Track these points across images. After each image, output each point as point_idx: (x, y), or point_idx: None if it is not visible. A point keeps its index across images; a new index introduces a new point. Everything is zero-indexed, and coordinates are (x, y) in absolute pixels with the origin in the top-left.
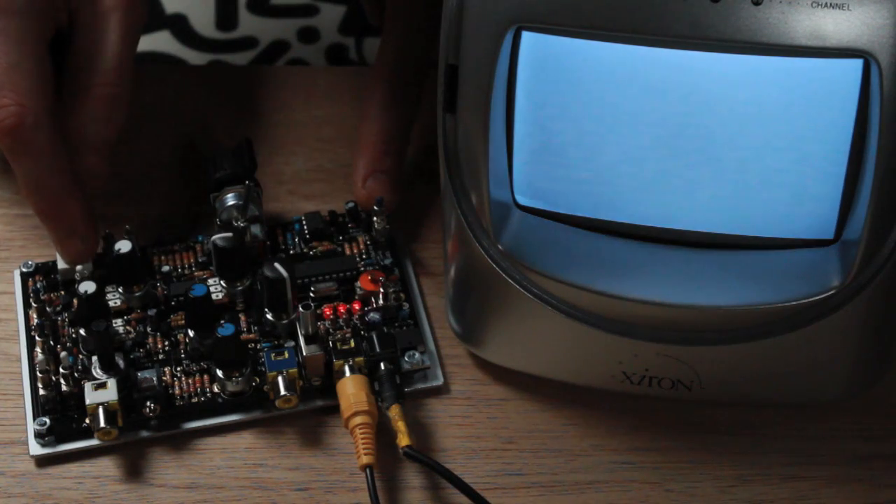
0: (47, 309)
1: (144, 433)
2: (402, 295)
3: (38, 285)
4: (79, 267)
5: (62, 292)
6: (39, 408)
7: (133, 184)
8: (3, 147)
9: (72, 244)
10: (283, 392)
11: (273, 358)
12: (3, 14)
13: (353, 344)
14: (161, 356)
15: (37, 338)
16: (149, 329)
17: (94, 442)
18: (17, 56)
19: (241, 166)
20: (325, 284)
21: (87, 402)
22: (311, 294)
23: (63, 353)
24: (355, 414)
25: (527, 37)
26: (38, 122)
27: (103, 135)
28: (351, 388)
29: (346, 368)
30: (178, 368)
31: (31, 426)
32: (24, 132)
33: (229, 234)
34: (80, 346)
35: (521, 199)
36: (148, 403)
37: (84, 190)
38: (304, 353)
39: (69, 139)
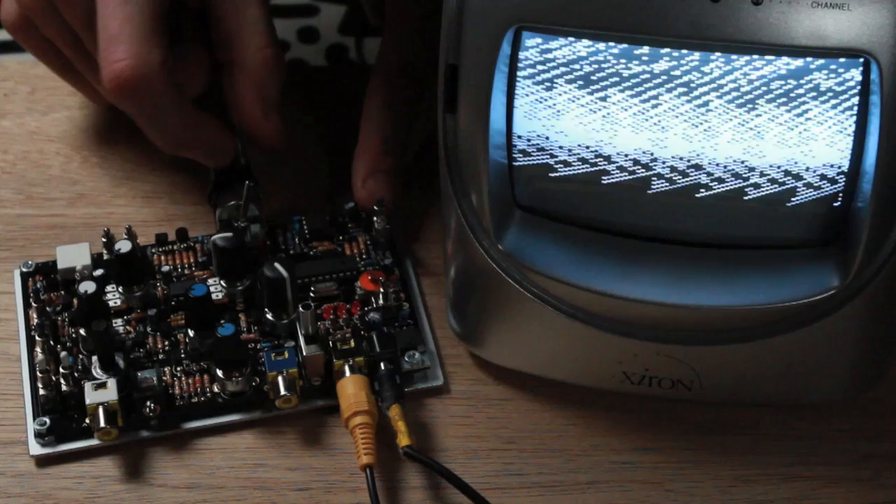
0: (47, 309)
1: (144, 433)
2: (402, 295)
3: (38, 285)
4: (79, 267)
5: (62, 292)
6: (39, 408)
7: (133, 184)
8: (117, 98)
9: (214, 161)
10: (283, 392)
11: (273, 358)
12: None
13: (353, 344)
14: (161, 356)
15: (37, 338)
16: (149, 329)
17: (94, 442)
18: (137, 11)
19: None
20: (325, 284)
21: (87, 402)
22: (311, 294)
23: (63, 353)
24: (355, 414)
25: (527, 37)
26: (155, 74)
27: (272, 95)
28: (351, 388)
29: (346, 368)
30: (178, 368)
31: (31, 426)
32: (139, 84)
33: (229, 234)
34: (80, 346)
35: (521, 199)
36: (148, 403)
37: (210, 121)
38: (304, 353)
39: (237, 108)
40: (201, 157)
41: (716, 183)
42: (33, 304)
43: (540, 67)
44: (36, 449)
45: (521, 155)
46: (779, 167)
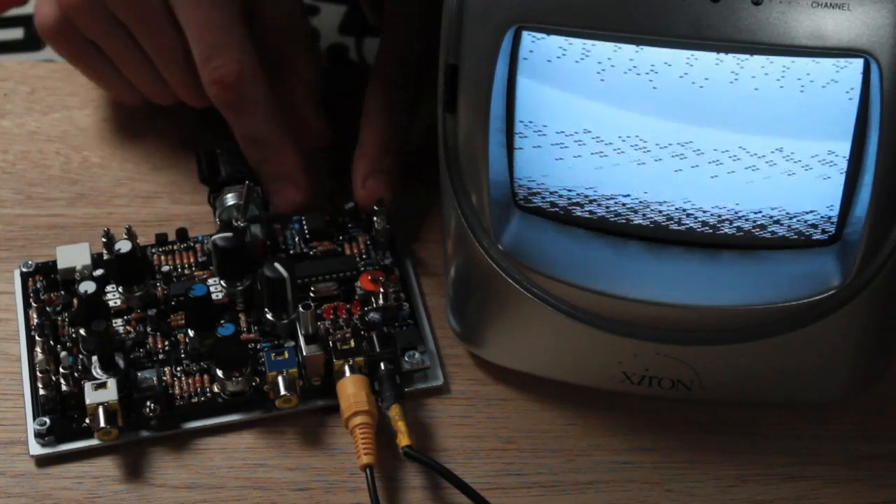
0: (47, 309)
1: (144, 433)
2: (402, 295)
3: (38, 285)
4: (79, 267)
5: (62, 292)
6: (39, 408)
7: (133, 184)
8: (222, 101)
9: (287, 191)
10: (283, 392)
11: (273, 358)
12: None
13: (353, 344)
14: (161, 356)
15: (37, 338)
16: (149, 329)
17: (94, 442)
18: (227, 18)
19: (241, 165)
20: (325, 284)
21: (87, 402)
22: (311, 294)
23: (63, 353)
24: (355, 414)
25: (527, 37)
26: (255, 76)
27: (315, 94)
28: (351, 388)
29: (346, 368)
30: (178, 368)
31: (31, 426)
32: (242, 87)
33: (229, 234)
34: (80, 346)
35: (521, 200)
36: (148, 403)
37: (298, 143)
38: (304, 353)
39: (294, 109)
40: (277, 181)
41: (716, 182)
42: (33, 304)
43: (540, 67)
44: (36, 449)
45: (521, 155)
46: (779, 167)
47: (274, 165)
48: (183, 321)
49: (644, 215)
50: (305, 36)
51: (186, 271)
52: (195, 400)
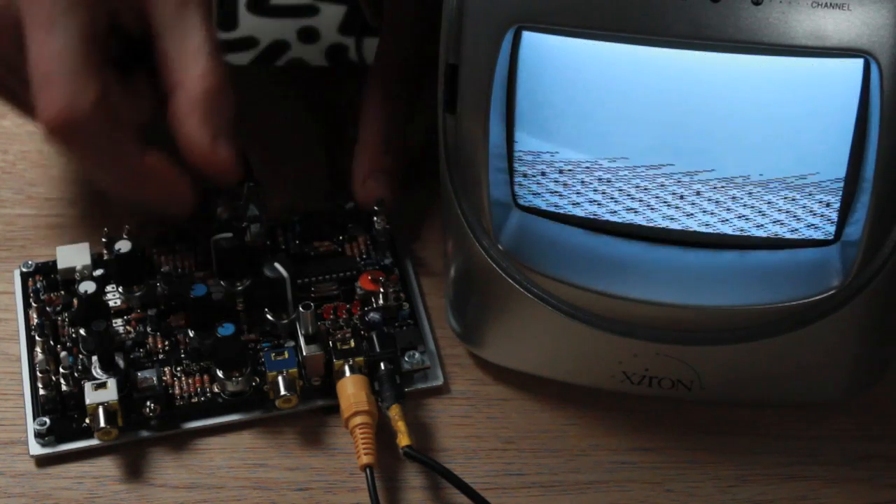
0: (47, 309)
1: (144, 433)
2: (402, 295)
3: (38, 285)
4: (79, 267)
5: (62, 292)
6: (39, 408)
7: None
8: (58, 146)
9: (172, 209)
10: (283, 392)
11: (273, 358)
12: (45, 7)
13: (353, 344)
14: (161, 356)
15: (37, 338)
16: (149, 329)
17: (94, 442)
18: (60, 44)
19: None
20: (325, 284)
21: (87, 402)
22: (311, 294)
23: (63, 353)
24: (355, 414)
25: (527, 37)
26: (87, 114)
27: (219, 123)
28: (351, 388)
29: (346, 368)
30: (178, 368)
31: (31, 426)
32: (74, 127)
33: (229, 234)
34: (80, 346)
35: (521, 199)
36: (148, 403)
37: (161, 161)
38: (304, 353)
39: (181, 136)
40: (156, 204)
41: (716, 183)
42: (33, 304)
43: (540, 67)
44: (36, 449)
45: (521, 155)
46: (779, 167)
47: (133, 199)
48: (183, 321)
49: (644, 215)
50: (205, 58)
51: (186, 271)
52: (195, 400)
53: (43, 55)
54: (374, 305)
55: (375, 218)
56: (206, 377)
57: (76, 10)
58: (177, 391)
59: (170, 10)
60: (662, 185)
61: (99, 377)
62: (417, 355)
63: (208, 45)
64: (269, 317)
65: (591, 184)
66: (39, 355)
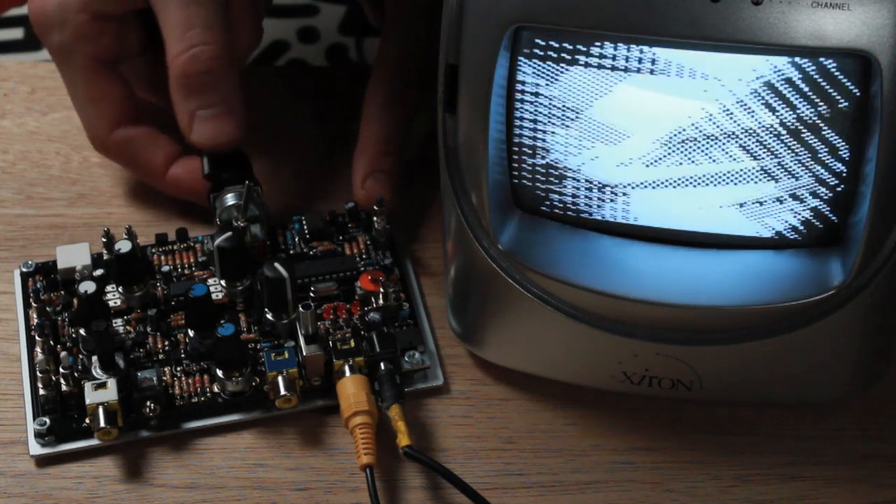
0: (47, 309)
1: (144, 433)
2: (402, 295)
3: (38, 285)
4: (79, 267)
5: (62, 292)
6: (39, 408)
7: (133, 184)
8: (186, 84)
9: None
10: (283, 392)
11: (273, 358)
12: None
13: (353, 344)
14: (161, 356)
15: (37, 338)
16: (149, 329)
17: (94, 442)
18: (195, 9)
19: (239, 166)
20: (325, 284)
21: (87, 401)
22: (311, 294)
23: (63, 353)
24: (355, 414)
25: (527, 37)
26: (227, 59)
27: (197, 104)
28: (351, 388)
29: (346, 368)
30: (178, 368)
31: (31, 426)
32: (216, 70)
33: (229, 234)
34: (80, 346)
35: (521, 199)
36: (148, 403)
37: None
38: (304, 353)
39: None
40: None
41: (716, 183)
42: (33, 304)
43: (540, 67)
44: (36, 449)
45: (521, 155)
46: (779, 167)
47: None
48: (183, 321)
49: (644, 215)
50: (178, 39)
51: (186, 271)
52: (195, 400)
53: (181, 17)
54: (374, 305)
55: (375, 218)
56: (206, 377)
57: None
58: (177, 391)
59: None
60: (662, 185)
61: (99, 377)
62: (417, 355)
63: (186, 22)
64: (269, 317)
65: (591, 184)
66: (39, 355)
